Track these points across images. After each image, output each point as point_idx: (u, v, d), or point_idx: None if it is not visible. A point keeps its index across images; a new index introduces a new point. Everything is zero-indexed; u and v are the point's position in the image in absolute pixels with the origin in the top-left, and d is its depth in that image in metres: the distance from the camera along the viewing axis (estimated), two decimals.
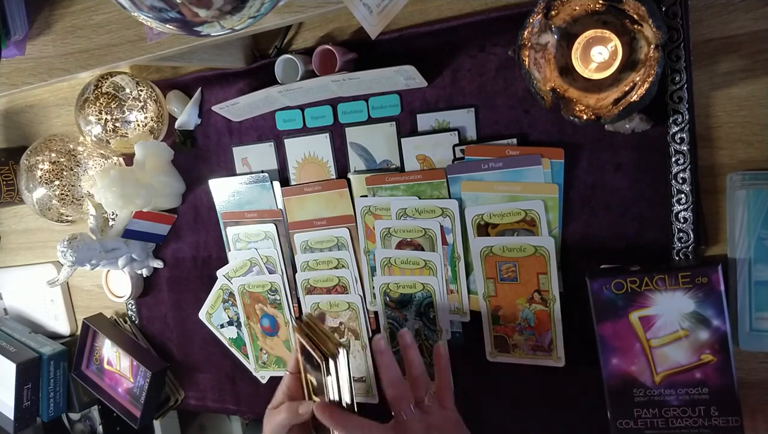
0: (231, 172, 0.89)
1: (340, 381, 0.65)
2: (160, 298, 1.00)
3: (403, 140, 0.76)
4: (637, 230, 0.66)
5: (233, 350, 0.95)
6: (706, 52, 0.61)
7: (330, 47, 0.72)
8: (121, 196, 0.83)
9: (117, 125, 0.85)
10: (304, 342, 0.68)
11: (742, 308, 0.61)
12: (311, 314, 0.74)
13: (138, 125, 0.86)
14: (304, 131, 0.82)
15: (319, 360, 0.64)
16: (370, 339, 0.84)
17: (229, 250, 0.91)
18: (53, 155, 0.94)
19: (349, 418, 0.64)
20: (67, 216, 0.97)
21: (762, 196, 0.59)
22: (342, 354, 0.65)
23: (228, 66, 0.82)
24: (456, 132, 0.72)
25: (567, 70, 0.60)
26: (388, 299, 0.80)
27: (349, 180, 0.79)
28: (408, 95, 0.75)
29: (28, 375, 1.00)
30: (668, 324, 0.62)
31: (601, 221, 0.68)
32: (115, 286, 1.03)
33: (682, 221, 0.63)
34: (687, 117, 0.61)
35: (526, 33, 0.59)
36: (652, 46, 0.54)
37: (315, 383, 0.69)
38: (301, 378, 0.72)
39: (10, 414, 1.01)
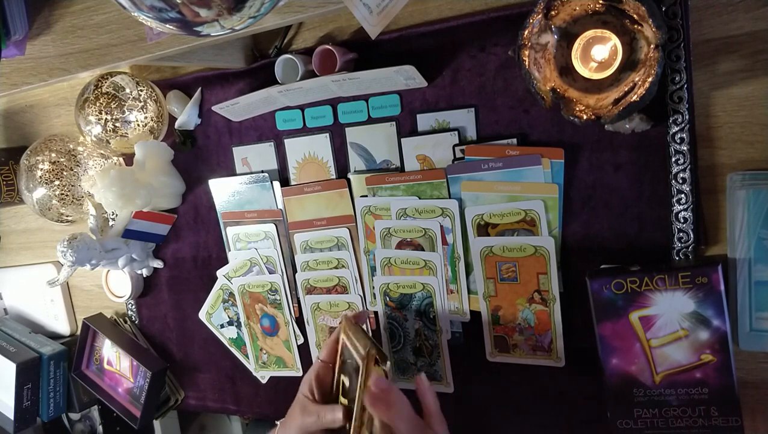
0: (231, 172, 0.89)
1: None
2: (160, 298, 1.00)
3: (403, 140, 0.76)
4: (637, 230, 0.66)
5: (233, 350, 0.95)
6: (706, 52, 0.61)
7: (330, 47, 0.72)
8: (121, 196, 0.83)
9: (117, 125, 0.85)
10: (347, 341, 0.66)
11: (742, 308, 0.61)
12: (351, 317, 0.70)
13: (138, 125, 0.86)
14: (304, 131, 0.82)
15: (360, 361, 0.62)
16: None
17: (229, 250, 0.91)
18: (53, 155, 0.94)
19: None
20: (67, 216, 0.97)
21: (762, 196, 0.59)
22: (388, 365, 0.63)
23: (228, 66, 0.82)
24: (456, 132, 0.72)
25: (567, 70, 0.60)
26: (388, 299, 0.80)
27: (349, 180, 0.79)
28: (408, 95, 0.75)
29: (28, 375, 1.00)
30: (668, 324, 0.62)
31: (601, 221, 0.68)
32: (115, 286, 1.03)
33: (682, 221, 0.63)
34: (687, 117, 0.61)
35: (526, 33, 0.59)
36: (652, 46, 0.54)
37: (347, 384, 0.67)
38: (333, 370, 0.70)
39: (10, 414, 1.01)
